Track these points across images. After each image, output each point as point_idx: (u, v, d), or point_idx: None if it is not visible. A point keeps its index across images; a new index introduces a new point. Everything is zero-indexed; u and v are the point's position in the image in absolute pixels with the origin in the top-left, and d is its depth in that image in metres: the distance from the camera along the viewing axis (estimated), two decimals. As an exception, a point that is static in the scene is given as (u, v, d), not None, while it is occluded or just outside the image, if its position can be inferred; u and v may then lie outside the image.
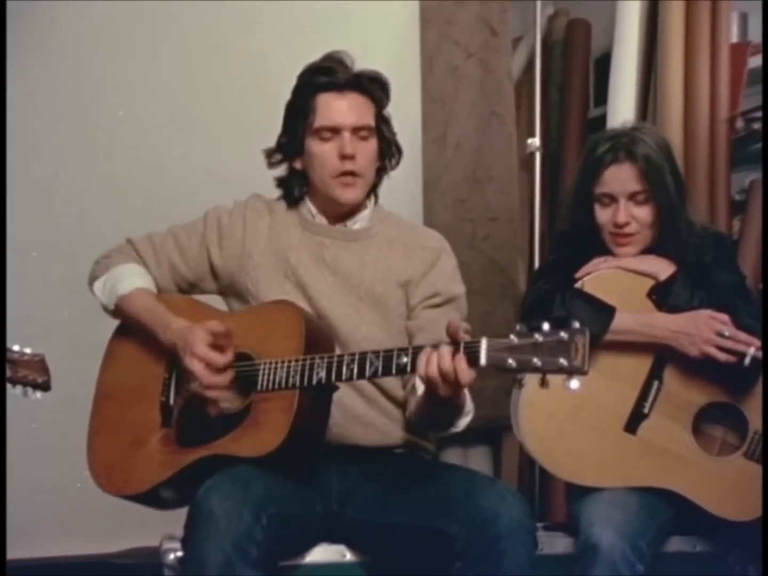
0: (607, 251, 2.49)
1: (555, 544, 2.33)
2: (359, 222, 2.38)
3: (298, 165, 2.37)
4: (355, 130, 2.30)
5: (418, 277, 2.34)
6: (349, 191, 2.31)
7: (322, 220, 2.38)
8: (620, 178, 2.44)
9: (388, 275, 2.34)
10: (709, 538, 2.39)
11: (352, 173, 2.29)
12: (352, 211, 2.37)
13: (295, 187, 2.39)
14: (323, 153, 2.30)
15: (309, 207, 2.39)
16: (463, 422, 2.22)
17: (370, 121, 2.32)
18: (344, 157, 2.28)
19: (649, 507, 2.28)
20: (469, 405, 2.22)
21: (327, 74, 2.31)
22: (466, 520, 2.05)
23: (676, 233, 2.46)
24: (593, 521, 2.22)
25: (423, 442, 2.35)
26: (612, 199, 2.45)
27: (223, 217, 2.39)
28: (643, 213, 2.45)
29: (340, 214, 2.37)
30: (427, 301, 2.33)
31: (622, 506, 2.25)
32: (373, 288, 2.32)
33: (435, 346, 1.95)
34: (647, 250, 2.48)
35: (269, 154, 2.40)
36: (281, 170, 2.42)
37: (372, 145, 2.33)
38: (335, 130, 2.29)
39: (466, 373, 1.90)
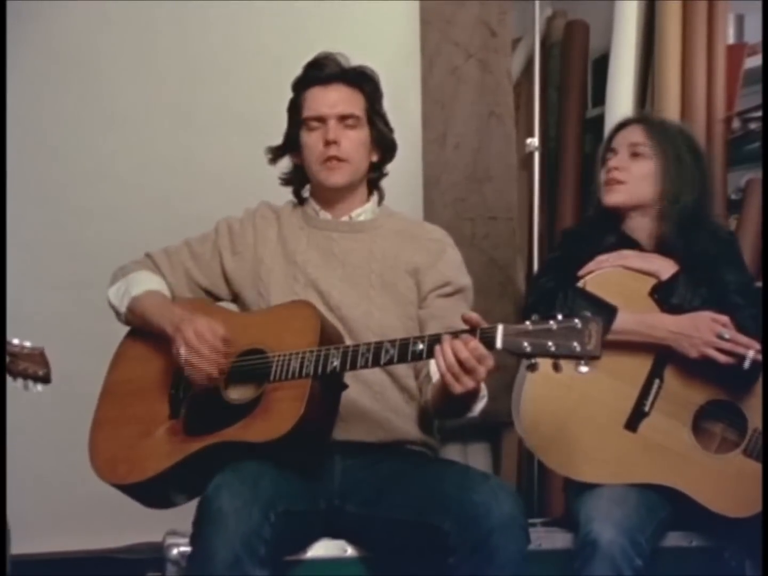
0: (616, 236, 2.53)
1: (554, 539, 2.36)
2: (363, 214, 2.44)
3: (297, 160, 2.45)
4: (341, 119, 2.37)
5: (427, 265, 2.38)
6: (334, 175, 2.37)
7: (326, 215, 2.43)
8: (625, 134, 2.55)
9: (396, 263, 2.39)
10: (706, 534, 2.40)
11: (336, 158, 2.36)
12: (354, 203, 2.43)
13: (298, 183, 2.46)
14: (311, 141, 2.38)
15: (312, 204, 2.45)
16: (479, 407, 2.22)
17: (356, 110, 2.39)
18: (328, 143, 2.35)
19: (648, 503, 2.30)
20: (483, 389, 2.23)
21: (314, 68, 2.40)
22: (459, 516, 2.06)
23: (685, 199, 2.49)
24: (593, 517, 2.23)
25: (427, 437, 2.37)
26: (614, 152, 2.54)
27: (234, 224, 2.45)
28: (639, 166, 2.51)
29: (342, 207, 2.42)
30: (438, 290, 2.37)
31: (622, 502, 2.27)
32: (383, 276, 2.37)
33: (454, 335, 1.99)
34: (657, 244, 2.51)
35: (272, 151, 2.46)
36: (286, 168, 2.48)
37: (360, 134, 2.39)
38: (321, 119, 2.37)
39: (486, 357, 1.96)
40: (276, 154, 2.47)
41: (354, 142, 2.38)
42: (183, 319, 2.25)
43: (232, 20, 3.33)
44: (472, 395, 2.13)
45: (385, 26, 3.43)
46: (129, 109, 3.31)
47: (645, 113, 2.62)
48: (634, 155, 2.52)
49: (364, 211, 2.44)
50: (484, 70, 3.45)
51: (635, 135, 2.54)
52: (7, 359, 2.23)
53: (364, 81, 2.41)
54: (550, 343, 1.90)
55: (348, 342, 2.19)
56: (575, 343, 1.89)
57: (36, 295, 3.19)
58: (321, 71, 2.39)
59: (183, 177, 3.29)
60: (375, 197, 2.47)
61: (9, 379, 2.26)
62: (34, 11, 3.20)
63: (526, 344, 1.92)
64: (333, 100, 2.38)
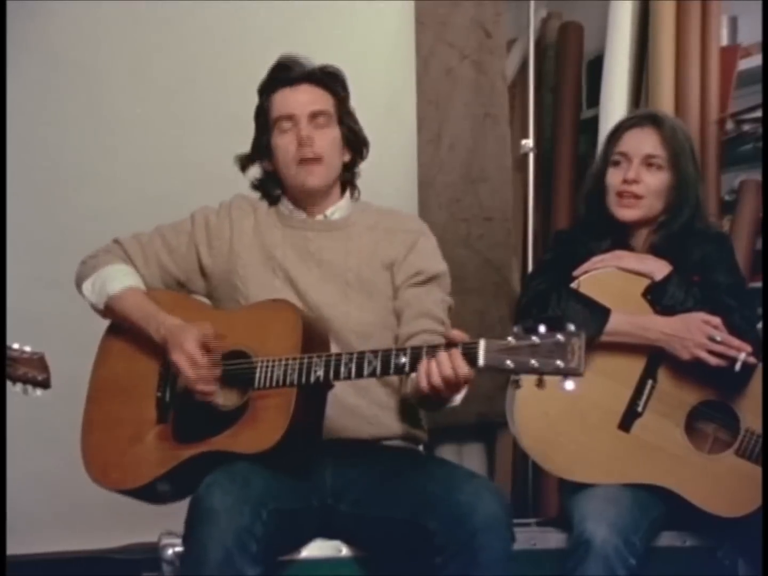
0: (612, 240, 2.52)
1: (548, 539, 2.36)
2: (337, 212, 2.42)
3: (269, 167, 2.42)
4: (311, 117, 2.35)
5: (401, 258, 2.39)
6: (312, 177, 2.35)
7: (300, 214, 2.42)
8: (639, 138, 2.50)
9: (372, 259, 2.38)
10: (699, 534, 2.41)
11: (312, 159, 2.34)
12: (328, 202, 2.41)
13: (271, 189, 2.44)
14: (284, 143, 2.36)
15: (286, 204, 2.44)
16: (460, 397, 2.20)
17: (326, 107, 2.38)
18: (302, 143, 2.33)
19: (641, 503, 2.30)
20: None
21: (280, 71, 2.39)
22: (445, 516, 2.06)
23: (688, 212, 2.49)
24: (586, 517, 2.24)
25: (416, 431, 2.38)
26: (626, 158, 2.49)
27: (211, 216, 2.43)
28: (655, 179, 2.48)
29: (316, 205, 2.41)
30: (410, 280, 2.38)
31: (615, 502, 2.27)
32: (360, 272, 2.36)
33: (431, 349, 1.99)
34: (650, 249, 2.51)
35: (242, 159, 2.45)
36: (256, 173, 2.47)
37: (332, 132, 2.38)
38: (291, 118, 2.35)
39: (467, 372, 1.95)
40: (246, 162, 2.45)
41: (327, 141, 2.36)
42: (170, 331, 2.24)
43: (228, 22, 3.33)
44: None
45: (380, 27, 3.43)
46: (127, 110, 3.31)
47: (656, 114, 2.53)
48: (649, 165, 2.49)
49: (338, 208, 2.42)
50: (478, 71, 3.46)
51: (650, 144, 2.49)
52: (7, 364, 2.24)
53: (331, 80, 2.40)
54: (533, 361, 1.87)
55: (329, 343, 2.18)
56: (558, 360, 1.86)
57: (36, 295, 3.19)
58: (287, 73, 2.37)
59: (181, 178, 3.29)
60: (348, 194, 2.45)
61: (8, 383, 2.27)
62: (32, 12, 3.21)
63: (508, 362, 1.90)
64: (302, 99, 2.36)
